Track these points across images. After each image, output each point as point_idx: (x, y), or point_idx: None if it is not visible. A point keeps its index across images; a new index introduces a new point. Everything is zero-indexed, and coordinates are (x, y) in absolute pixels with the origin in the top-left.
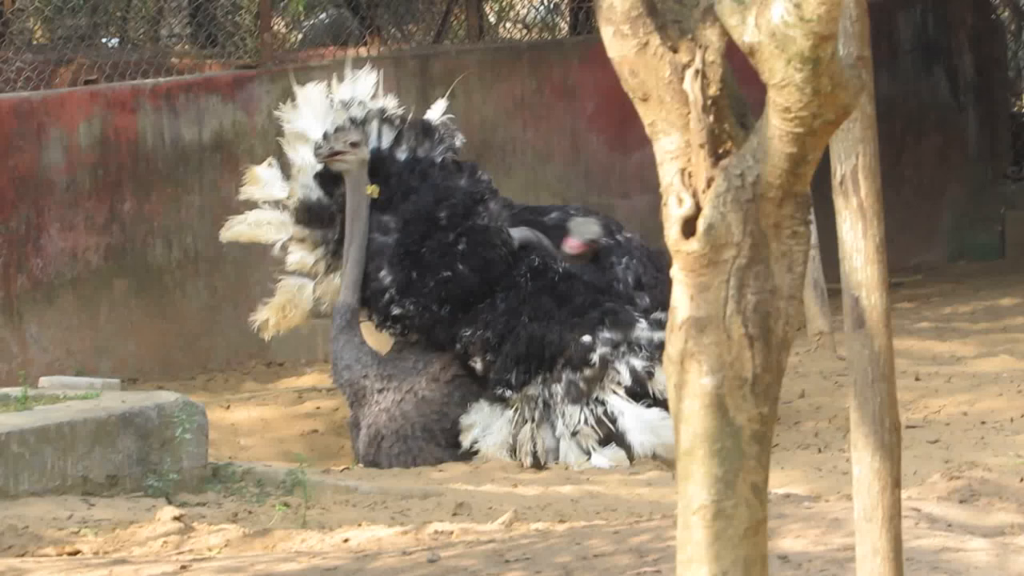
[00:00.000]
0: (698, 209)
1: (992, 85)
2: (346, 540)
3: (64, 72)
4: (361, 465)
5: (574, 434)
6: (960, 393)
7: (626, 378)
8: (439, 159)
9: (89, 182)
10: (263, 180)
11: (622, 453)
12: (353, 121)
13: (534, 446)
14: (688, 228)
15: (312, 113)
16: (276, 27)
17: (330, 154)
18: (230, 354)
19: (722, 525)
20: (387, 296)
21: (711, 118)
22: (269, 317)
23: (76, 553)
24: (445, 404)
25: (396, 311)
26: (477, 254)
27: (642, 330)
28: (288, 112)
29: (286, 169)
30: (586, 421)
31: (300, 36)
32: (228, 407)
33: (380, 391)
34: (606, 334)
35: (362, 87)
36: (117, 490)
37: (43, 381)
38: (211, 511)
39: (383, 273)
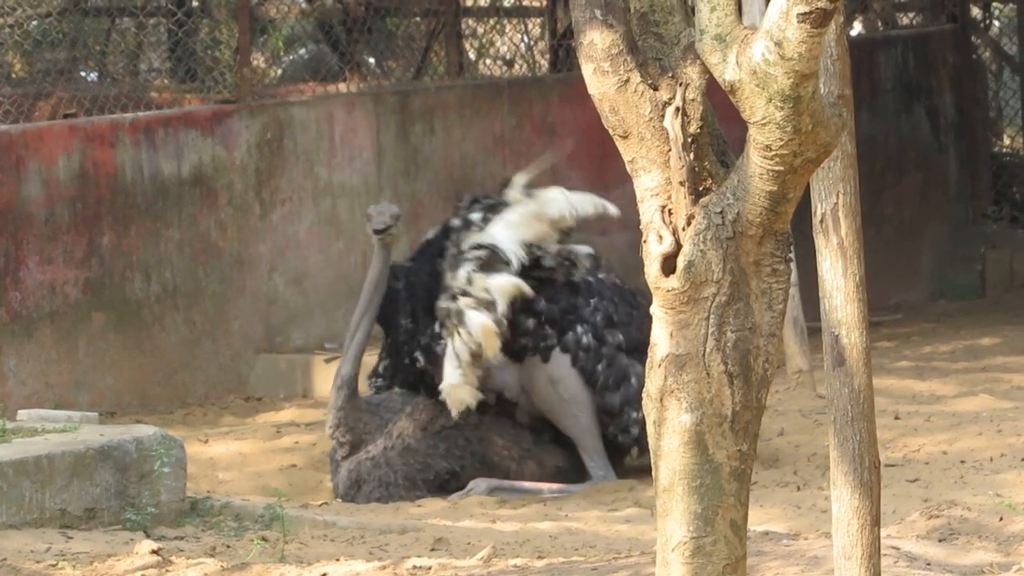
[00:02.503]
0: (678, 246)
1: (973, 124)
2: (324, 575)
3: (43, 106)
4: (339, 500)
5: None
6: (940, 432)
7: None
8: None
9: (68, 216)
10: None
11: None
12: None
13: None
14: (668, 265)
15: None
16: (255, 62)
17: (384, 228)
18: (208, 388)
19: (701, 562)
20: None
21: (691, 155)
22: None
23: None
24: (430, 456)
25: None
26: None
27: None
28: None
29: None
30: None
31: (280, 71)
32: (206, 441)
33: (374, 441)
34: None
35: None
36: (95, 523)
37: (21, 414)
38: (189, 545)
39: None
